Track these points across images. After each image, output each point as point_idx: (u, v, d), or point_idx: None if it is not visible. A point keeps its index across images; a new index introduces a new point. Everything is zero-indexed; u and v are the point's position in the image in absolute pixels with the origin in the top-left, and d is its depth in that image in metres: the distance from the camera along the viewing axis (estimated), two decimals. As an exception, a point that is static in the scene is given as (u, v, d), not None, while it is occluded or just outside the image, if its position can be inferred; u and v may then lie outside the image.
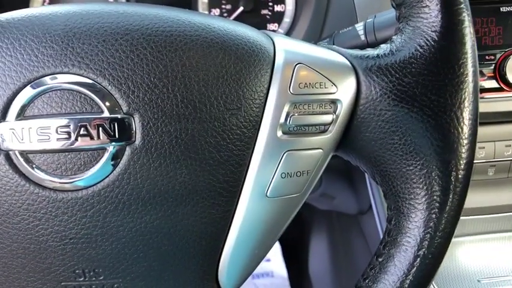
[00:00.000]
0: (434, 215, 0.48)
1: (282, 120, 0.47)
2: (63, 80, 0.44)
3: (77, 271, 0.47)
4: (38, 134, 0.43)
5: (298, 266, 1.70)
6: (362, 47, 0.65)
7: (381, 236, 0.52)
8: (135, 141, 0.45)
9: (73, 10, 0.46)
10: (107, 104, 0.44)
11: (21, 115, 0.44)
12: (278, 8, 1.05)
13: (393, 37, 0.50)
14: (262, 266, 1.77)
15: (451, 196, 0.48)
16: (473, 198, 0.91)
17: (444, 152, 0.47)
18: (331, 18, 1.00)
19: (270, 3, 1.05)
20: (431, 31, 0.47)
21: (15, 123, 0.44)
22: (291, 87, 0.47)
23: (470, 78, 0.47)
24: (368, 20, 0.74)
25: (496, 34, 0.89)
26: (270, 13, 1.05)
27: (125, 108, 0.44)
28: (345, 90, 0.49)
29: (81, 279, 0.47)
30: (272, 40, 0.50)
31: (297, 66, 0.48)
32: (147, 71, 0.44)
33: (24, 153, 0.44)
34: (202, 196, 0.47)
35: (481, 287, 0.94)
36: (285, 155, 0.48)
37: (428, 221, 0.48)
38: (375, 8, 0.84)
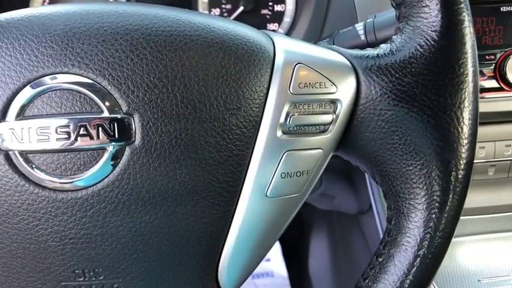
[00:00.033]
0: (434, 215, 0.48)
1: (282, 120, 0.47)
2: (63, 80, 0.44)
3: (76, 271, 0.47)
4: (38, 134, 0.43)
5: (298, 265, 1.70)
6: (362, 46, 0.65)
7: (381, 236, 0.52)
8: (134, 141, 0.45)
9: (73, 10, 0.46)
10: (107, 103, 0.44)
11: (21, 115, 0.44)
12: (278, 7, 1.05)
13: (393, 37, 0.50)
14: (262, 266, 1.77)
15: (451, 196, 0.48)
16: (474, 198, 0.91)
17: (444, 151, 0.47)
18: (331, 18, 1.00)
19: (270, 3, 1.05)
20: (431, 31, 0.47)
21: (15, 123, 0.44)
22: (291, 87, 0.47)
23: (470, 78, 0.47)
24: (368, 20, 0.74)
25: (496, 34, 0.89)
26: (270, 13, 1.05)
27: (124, 108, 0.44)
28: (344, 90, 0.49)
29: (81, 279, 0.47)
30: (272, 40, 0.50)
31: (297, 66, 0.48)
32: (147, 70, 0.44)
33: (23, 153, 0.44)
34: (202, 196, 0.47)
35: (481, 287, 0.94)
36: (284, 155, 0.48)
37: (428, 221, 0.48)
38: (375, 8, 0.84)
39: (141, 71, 0.44)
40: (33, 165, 0.44)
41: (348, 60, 0.50)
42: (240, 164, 0.47)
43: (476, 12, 0.87)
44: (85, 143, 0.44)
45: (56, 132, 0.43)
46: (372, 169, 0.51)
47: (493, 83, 0.90)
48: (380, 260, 0.51)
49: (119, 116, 0.44)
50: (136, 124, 0.44)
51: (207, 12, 1.04)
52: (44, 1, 1.04)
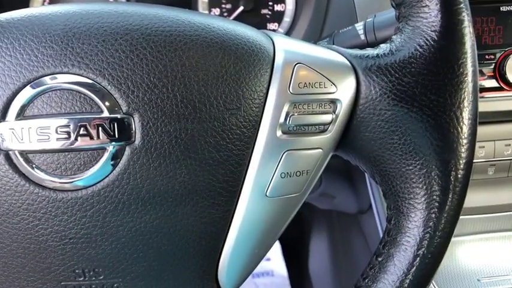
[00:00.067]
0: (433, 215, 0.48)
1: (282, 120, 0.47)
2: (63, 80, 0.44)
3: (76, 271, 0.47)
4: (38, 133, 0.43)
5: (298, 265, 1.70)
6: (362, 46, 0.65)
7: (381, 236, 0.52)
8: (134, 141, 0.45)
9: (73, 10, 0.46)
10: (107, 103, 0.44)
11: (21, 115, 0.44)
12: (278, 7, 1.05)
13: (393, 37, 0.50)
14: (263, 265, 1.77)
15: (450, 196, 0.48)
16: (473, 198, 0.91)
17: (444, 151, 0.47)
18: (331, 17, 1.00)
19: (270, 3, 1.05)
20: (431, 31, 0.47)
21: (15, 123, 0.44)
22: (291, 87, 0.47)
23: (469, 78, 0.47)
24: (368, 20, 0.74)
25: (496, 33, 0.89)
26: (270, 12, 1.05)
27: (124, 108, 0.44)
28: (344, 90, 0.49)
29: (81, 278, 0.47)
30: (272, 40, 0.50)
31: (297, 66, 0.48)
32: (147, 70, 0.44)
33: (24, 153, 0.44)
34: (202, 196, 0.47)
35: (481, 286, 0.94)
36: (284, 154, 0.48)
37: (428, 221, 0.48)
38: (375, 8, 0.84)
39: (141, 71, 0.44)
40: (34, 165, 0.44)
41: (348, 60, 0.50)
42: (240, 163, 0.47)
43: (476, 11, 0.87)
44: (85, 143, 0.44)
45: (56, 132, 0.44)
46: (372, 169, 0.51)
47: (493, 83, 0.90)
48: (380, 259, 0.51)
49: (118, 116, 0.44)
50: (136, 124, 0.44)
51: (207, 12, 1.04)
52: (44, 1, 1.04)
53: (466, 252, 0.98)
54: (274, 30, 1.05)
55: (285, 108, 0.47)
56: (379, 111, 0.48)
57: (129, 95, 0.44)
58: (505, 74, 0.88)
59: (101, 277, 0.47)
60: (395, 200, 0.50)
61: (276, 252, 1.78)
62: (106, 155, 0.44)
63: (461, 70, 0.47)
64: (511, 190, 0.98)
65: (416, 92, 0.47)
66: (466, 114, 0.47)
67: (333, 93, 0.48)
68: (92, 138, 0.44)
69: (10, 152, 0.44)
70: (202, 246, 0.48)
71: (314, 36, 0.99)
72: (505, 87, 0.89)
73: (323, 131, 0.49)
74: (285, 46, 0.49)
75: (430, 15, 0.47)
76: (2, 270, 0.47)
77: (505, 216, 0.99)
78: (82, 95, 0.44)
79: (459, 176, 0.48)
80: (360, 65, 0.49)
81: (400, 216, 0.50)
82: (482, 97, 0.89)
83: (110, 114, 0.44)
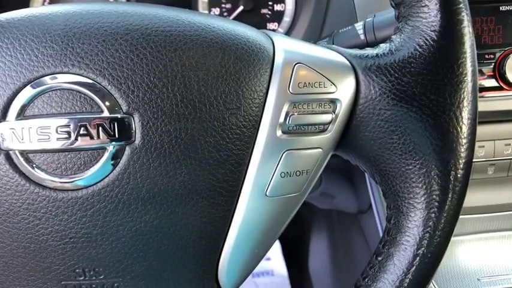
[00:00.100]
0: (433, 214, 0.48)
1: (282, 119, 0.47)
2: (63, 79, 0.44)
3: (77, 270, 0.47)
4: (38, 133, 0.44)
5: (298, 264, 1.70)
6: (361, 46, 0.65)
7: (381, 235, 0.52)
8: (134, 140, 0.45)
9: (73, 10, 0.46)
10: (107, 103, 0.44)
11: (21, 115, 0.44)
12: (278, 7, 1.05)
13: (392, 36, 0.50)
14: (263, 265, 1.77)
15: (450, 195, 0.48)
16: (473, 197, 0.91)
17: (443, 151, 0.47)
18: (331, 17, 1.00)
19: (270, 3, 1.05)
20: (431, 31, 0.47)
21: (15, 123, 0.44)
22: (291, 86, 0.47)
23: (469, 77, 0.47)
24: (367, 20, 0.74)
25: (496, 33, 0.89)
26: (269, 12, 1.05)
27: (124, 108, 0.44)
28: (344, 90, 0.49)
29: (81, 278, 0.47)
30: (271, 40, 0.50)
31: (296, 65, 0.48)
32: (147, 70, 0.44)
33: (24, 153, 0.44)
34: (202, 195, 0.47)
35: (481, 286, 0.94)
36: (284, 154, 0.48)
37: (428, 220, 0.48)
38: (375, 8, 0.84)
39: (141, 70, 0.44)
40: (34, 165, 0.44)
41: (348, 60, 0.50)
42: (240, 163, 0.47)
43: (475, 11, 0.87)
44: (85, 143, 0.44)
45: (57, 132, 0.44)
46: (371, 168, 0.51)
47: (493, 82, 0.90)
48: (379, 259, 0.51)
49: (119, 116, 0.44)
50: (136, 124, 0.44)
51: (207, 11, 1.04)
52: (44, 1, 1.04)
53: (466, 251, 0.98)
54: (274, 30, 1.05)
55: (285, 108, 0.47)
56: (378, 110, 0.48)
57: (129, 95, 0.44)
58: (505, 73, 0.88)
59: (101, 276, 0.47)
60: (395, 199, 0.50)
61: (276, 251, 1.78)
62: (106, 155, 0.44)
63: (460, 70, 0.47)
64: (510, 189, 0.98)
65: (415, 92, 0.47)
66: (465, 114, 0.47)
67: (333, 93, 0.48)
68: (92, 138, 0.44)
69: (10, 152, 0.44)
70: (202, 246, 0.48)
71: (314, 36, 0.99)
72: (504, 86, 0.89)
73: (323, 131, 0.49)
74: (285, 46, 0.49)
75: (430, 15, 0.47)
76: (2, 270, 0.47)
77: (505, 216, 0.99)
78: (82, 95, 0.44)
79: (459, 175, 0.48)
80: (359, 64, 0.49)
81: (399, 215, 0.50)
82: (481, 97, 0.89)
83: (110, 114, 0.44)
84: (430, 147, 0.47)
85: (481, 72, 0.89)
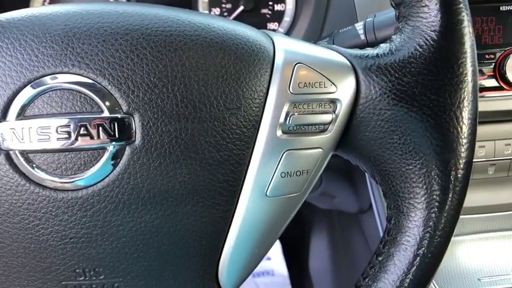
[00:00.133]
0: (433, 214, 0.48)
1: (282, 119, 0.47)
2: (63, 79, 0.44)
3: (77, 270, 0.47)
4: (38, 133, 0.44)
5: (299, 264, 1.70)
6: (362, 46, 0.66)
7: (381, 235, 0.52)
8: (135, 140, 0.45)
9: (73, 10, 0.46)
10: (107, 103, 0.44)
11: (22, 115, 0.44)
12: (278, 7, 1.05)
13: (393, 36, 0.50)
14: (263, 265, 1.77)
15: (450, 195, 0.48)
16: (473, 197, 0.91)
17: (443, 151, 0.47)
18: (331, 17, 1.00)
19: (270, 2, 1.05)
20: (431, 31, 0.47)
21: (16, 123, 0.44)
22: (291, 86, 0.47)
23: (469, 77, 0.47)
24: (368, 19, 0.74)
25: (496, 33, 0.89)
26: (270, 12, 1.05)
27: (124, 108, 0.44)
28: (344, 90, 0.49)
29: (82, 278, 0.47)
30: (272, 40, 0.50)
31: (297, 65, 0.48)
32: (147, 70, 0.44)
33: (24, 153, 0.44)
34: (202, 196, 0.47)
35: (481, 286, 0.94)
36: (284, 154, 0.48)
37: (428, 220, 0.48)
38: (375, 7, 0.84)
39: (141, 70, 0.44)
40: (34, 165, 0.44)
41: (348, 59, 0.50)
42: (240, 163, 0.47)
43: (475, 11, 0.87)
44: (85, 143, 0.44)
45: (57, 132, 0.44)
46: (372, 168, 0.51)
47: (493, 82, 0.90)
48: (380, 259, 0.51)
49: (119, 116, 0.44)
50: (136, 124, 0.44)
51: (207, 11, 1.04)
52: (44, 1, 1.04)
53: (466, 251, 0.98)
54: (274, 30, 1.05)
55: (285, 108, 0.47)
56: (379, 110, 0.48)
57: (129, 95, 0.44)
58: (505, 73, 0.88)
59: (102, 277, 0.47)
60: (396, 199, 0.50)
61: (276, 251, 1.78)
62: (106, 155, 0.44)
63: (460, 70, 0.47)
64: (511, 189, 0.98)
65: (416, 92, 0.47)
66: (465, 114, 0.47)
67: (333, 93, 0.48)
68: (92, 138, 0.44)
69: (11, 152, 0.44)
70: (203, 246, 0.48)
71: (314, 36, 0.99)
72: (505, 86, 0.89)
73: (323, 131, 0.49)
74: (285, 46, 0.49)
75: (430, 15, 0.47)
76: (2, 270, 0.47)
77: (505, 216, 0.99)
78: (82, 95, 0.44)
79: (459, 175, 0.48)
80: (359, 64, 0.49)
81: (400, 215, 0.50)
82: (482, 96, 0.89)
83: (110, 114, 0.44)
84: (431, 147, 0.47)
85: (482, 72, 0.89)
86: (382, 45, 0.50)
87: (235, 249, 0.49)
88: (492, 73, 0.89)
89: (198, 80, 0.45)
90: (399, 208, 0.50)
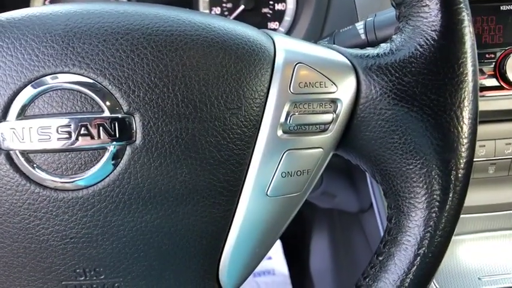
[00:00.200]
0: (434, 214, 0.48)
1: (282, 119, 0.47)
2: (64, 79, 0.44)
3: (77, 270, 0.47)
4: (39, 133, 0.44)
5: (300, 264, 1.70)
6: (362, 45, 0.65)
7: (382, 234, 0.52)
8: (135, 140, 0.45)
9: (73, 10, 0.46)
10: (108, 103, 0.44)
11: (22, 115, 0.44)
12: (279, 6, 1.05)
13: (393, 36, 0.50)
14: (264, 264, 1.77)
15: (451, 195, 0.48)
16: (474, 197, 0.91)
17: (444, 151, 0.47)
18: (332, 16, 1.00)
19: (271, 2, 1.05)
20: (431, 30, 0.47)
21: (16, 123, 0.44)
22: (291, 86, 0.47)
23: (470, 77, 0.47)
24: (368, 19, 0.74)
25: (496, 32, 0.89)
26: (270, 11, 1.05)
27: (125, 108, 0.44)
28: (345, 90, 0.49)
29: (82, 278, 0.47)
30: (272, 39, 0.50)
31: (297, 65, 0.48)
32: (148, 70, 0.44)
33: (25, 153, 0.44)
34: (203, 195, 0.47)
35: (482, 285, 0.94)
36: (285, 154, 0.48)
37: (429, 220, 0.48)
38: (376, 7, 0.84)
39: (141, 70, 0.44)
40: (34, 165, 0.44)
41: (348, 59, 0.50)
42: (241, 163, 0.47)
43: (476, 11, 0.87)
44: (86, 143, 0.44)
45: (57, 131, 0.44)
46: (372, 168, 0.51)
47: (493, 82, 0.90)
48: (380, 258, 0.51)
49: (119, 116, 0.44)
50: (137, 124, 0.44)
51: (208, 10, 1.04)
52: (44, 0, 1.04)
53: (467, 251, 0.98)
54: (275, 29, 1.05)
55: (286, 108, 0.47)
56: (379, 110, 0.48)
57: (129, 95, 0.44)
58: (505, 72, 0.88)
59: (102, 277, 0.47)
60: (396, 199, 0.50)
61: (277, 250, 1.78)
62: (107, 155, 0.44)
63: (461, 69, 0.47)
64: (511, 189, 0.98)
65: (416, 92, 0.47)
66: (466, 114, 0.47)
67: (334, 92, 0.48)
68: (92, 137, 0.44)
69: (11, 152, 0.44)
70: (203, 246, 0.48)
71: (315, 36, 0.99)
72: (505, 86, 0.89)
73: (323, 131, 0.49)
74: (286, 46, 0.49)
75: (430, 14, 0.47)
76: (2, 270, 0.47)
77: (506, 215, 0.99)
78: (83, 95, 0.44)
79: (459, 175, 0.48)
80: (360, 64, 0.49)
81: (400, 215, 0.50)
82: (482, 96, 0.89)
83: (110, 113, 0.44)
84: (431, 147, 0.47)
85: (482, 72, 0.89)
86: (382, 44, 0.50)
87: (235, 249, 0.49)
88: (492, 72, 0.89)
89: (199, 80, 0.45)
90: (400, 208, 0.50)
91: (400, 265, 0.49)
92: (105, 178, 0.45)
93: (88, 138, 0.44)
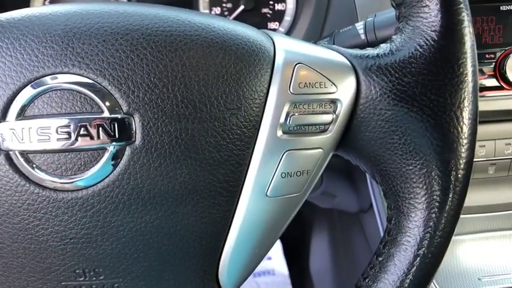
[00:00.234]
0: (434, 215, 0.48)
1: (282, 120, 0.47)
2: (63, 80, 0.44)
3: (77, 271, 0.47)
4: (38, 134, 0.43)
5: (299, 264, 1.70)
6: (362, 46, 0.65)
7: (382, 235, 0.52)
8: (135, 141, 0.45)
9: (73, 10, 0.46)
10: (107, 104, 0.44)
11: (22, 115, 0.44)
12: (279, 6, 1.05)
13: (393, 37, 0.50)
14: (264, 264, 1.77)
15: (450, 195, 0.48)
16: (474, 197, 0.91)
17: (444, 151, 0.47)
18: (332, 17, 1.00)
19: (271, 2, 1.05)
20: (431, 31, 0.47)
21: (16, 123, 0.44)
22: (291, 87, 0.47)
23: (469, 77, 0.47)
24: (368, 19, 0.74)
25: (496, 32, 0.89)
26: (270, 12, 1.05)
27: (125, 108, 0.44)
28: (344, 90, 0.49)
29: (82, 279, 0.47)
30: (272, 40, 0.50)
31: (297, 66, 0.48)
32: (147, 70, 0.44)
33: (24, 153, 0.44)
34: (203, 196, 0.47)
35: (482, 285, 0.94)
36: (285, 154, 0.48)
37: (428, 221, 0.48)
38: (376, 7, 0.84)
39: (141, 71, 0.44)
40: (34, 165, 0.44)
41: (348, 60, 0.50)
42: (241, 163, 0.47)
43: (476, 11, 0.87)
44: (85, 143, 0.44)
45: (57, 132, 0.44)
46: (372, 168, 0.51)
47: (493, 82, 0.90)
48: (380, 259, 0.51)
49: (119, 116, 0.44)
50: (136, 124, 0.44)
51: (207, 11, 1.04)
52: (44, 1, 1.04)
53: (467, 251, 0.98)
54: (274, 30, 1.05)
55: (286, 108, 0.47)
56: (379, 111, 0.48)
57: (129, 95, 0.44)
58: (505, 73, 0.88)
59: (102, 277, 0.47)
60: (396, 199, 0.50)
61: (277, 251, 1.78)
62: (106, 155, 0.44)
63: (461, 70, 0.47)
64: (511, 189, 0.98)
65: (416, 92, 0.47)
66: (466, 114, 0.47)
67: (333, 93, 0.48)
68: (92, 138, 0.44)
69: (10, 152, 0.44)
70: (203, 246, 0.48)
71: (315, 36, 0.99)
72: (505, 86, 0.89)
73: (323, 131, 0.49)
74: (285, 46, 0.49)
75: (430, 15, 0.47)
76: (2, 271, 0.47)
77: (506, 215, 0.99)
78: (82, 95, 0.44)
79: (459, 175, 0.48)
80: (360, 64, 0.49)
81: (400, 216, 0.50)
82: (482, 96, 0.89)
83: (110, 114, 0.44)
84: (431, 148, 0.47)
85: (482, 72, 0.89)
86: (382, 45, 0.50)
87: (235, 250, 0.49)
88: (492, 73, 0.89)
89: (199, 80, 0.45)
90: (399, 208, 0.50)
91: (399, 266, 0.49)
92: (104, 178, 0.45)
93: (87, 138, 0.44)
